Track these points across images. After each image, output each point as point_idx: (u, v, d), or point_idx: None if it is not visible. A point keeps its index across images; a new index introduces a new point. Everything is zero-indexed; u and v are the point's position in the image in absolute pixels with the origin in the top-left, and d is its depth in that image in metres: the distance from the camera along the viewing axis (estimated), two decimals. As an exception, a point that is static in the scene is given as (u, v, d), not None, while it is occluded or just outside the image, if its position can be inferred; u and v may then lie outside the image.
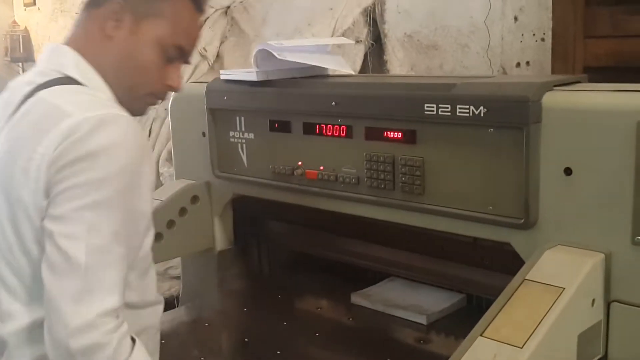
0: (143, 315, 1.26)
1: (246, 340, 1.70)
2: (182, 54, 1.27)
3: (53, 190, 1.08)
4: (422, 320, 1.68)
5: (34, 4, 4.79)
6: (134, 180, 1.11)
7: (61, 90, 1.18)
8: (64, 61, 1.22)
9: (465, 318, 1.64)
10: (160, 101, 1.32)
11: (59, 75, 1.20)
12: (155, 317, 1.30)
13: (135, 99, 1.26)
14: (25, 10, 4.94)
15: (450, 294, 1.77)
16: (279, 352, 1.62)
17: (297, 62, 1.75)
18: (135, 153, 1.12)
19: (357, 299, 1.83)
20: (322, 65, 1.84)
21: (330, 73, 1.90)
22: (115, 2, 1.21)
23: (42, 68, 1.24)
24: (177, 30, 1.24)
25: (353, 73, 1.99)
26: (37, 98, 1.17)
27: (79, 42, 1.24)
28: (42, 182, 1.09)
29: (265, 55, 1.75)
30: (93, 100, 1.17)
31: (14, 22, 4.97)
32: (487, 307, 1.24)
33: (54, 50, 1.26)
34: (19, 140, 1.15)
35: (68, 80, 1.20)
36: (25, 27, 5.04)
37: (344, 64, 1.86)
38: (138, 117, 1.27)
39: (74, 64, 1.21)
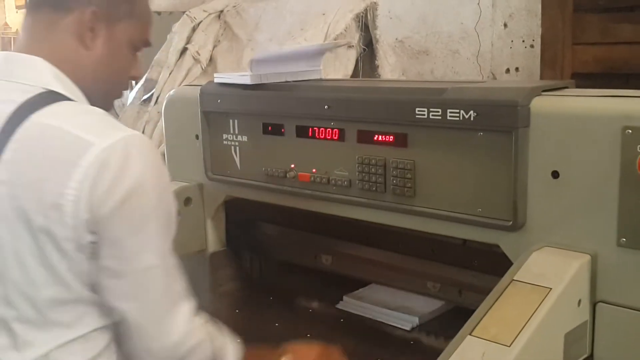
0: None
1: (238, 341, 1.71)
2: (146, 44, 1.31)
3: (106, 231, 1.10)
4: (414, 323, 1.70)
5: (27, 6, 4.80)
6: (165, 194, 1.17)
7: (57, 111, 1.14)
8: (42, 75, 1.17)
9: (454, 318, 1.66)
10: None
11: (41, 91, 1.15)
12: None
13: (108, 99, 1.31)
14: (17, 12, 4.94)
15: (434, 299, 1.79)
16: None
17: (291, 66, 1.78)
18: (160, 169, 1.17)
19: (345, 304, 1.83)
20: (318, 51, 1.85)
21: (323, 77, 1.93)
22: (86, 12, 1.19)
23: (10, 82, 1.17)
24: (144, 25, 1.28)
25: (348, 42, 2.01)
26: (34, 123, 1.11)
27: (48, 52, 1.19)
28: (83, 219, 1.08)
29: (260, 59, 1.77)
30: (97, 119, 1.16)
31: (6, 24, 4.98)
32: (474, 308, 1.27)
33: (18, 61, 1.20)
34: (34, 172, 1.10)
35: (55, 96, 1.15)
36: (17, 30, 5.04)
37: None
38: (132, 121, 1.29)
39: (54, 77, 1.18)
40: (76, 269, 1.12)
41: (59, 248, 1.10)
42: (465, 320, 1.23)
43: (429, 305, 1.76)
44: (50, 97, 1.15)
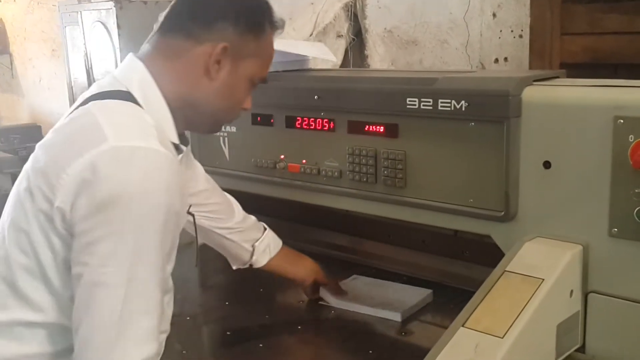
0: None
1: (228, 333, 1.70)
2: (263, 80, 1.35)
3: (77, 231, 1.07)
4: (397, 317, 1.68)
5: (9, -5, 4.73)
6: (159, 219, 1.08)
7: (110, 105, 1.17)
8: (132, 76, 1.23)
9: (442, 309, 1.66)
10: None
11: (121, 89, 1.21)
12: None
13: (216, 125, 1.35)
14: (0, 2, 4.87)
15: (417, 289, 1.78)
16: (261, 345, 1.62)
17: (280, 56, 1.75)
18: (165, 192, 1.09)
19: (326, 299, 1.77)
20: (305, 54, 1.84)
21: (313, 67, 1.91)
22: (218, 46, 1.22)
23: (112, 77, 1.25)
24: (266, 63, 1.33)
25: (336, 60, 2.00)
26: (85, 109, 1.17)
27: (171, 71, 1.23)
28: (67, 208, 1.08)
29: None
30: (137, 125, 1.15)
31: (-10, 14, 4.91)
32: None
33: (129, 61, 1.26)
34: (55, 148, 1.15)
35: (125, 95, 1.20)
36: (1, 19, 4.96)
37: (326, 52, 1.86)
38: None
39: (139, 82, 1.22)
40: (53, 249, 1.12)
41: (41, 221, 1.12)
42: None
43: (410, 297, 1.74)
44: (119, 95, 1.19)
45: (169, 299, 1.29)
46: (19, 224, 1.17)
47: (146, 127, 1.15)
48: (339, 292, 1.74)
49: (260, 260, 1.73)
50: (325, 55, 1.85)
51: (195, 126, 1.32)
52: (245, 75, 1.28)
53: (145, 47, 1.29)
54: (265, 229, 1.75)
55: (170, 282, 1.29)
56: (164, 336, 1.29)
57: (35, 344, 1.16)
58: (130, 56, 1.28)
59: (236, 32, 1.24)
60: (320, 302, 1.79)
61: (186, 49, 1.23)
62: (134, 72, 1.24)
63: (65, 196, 1.08)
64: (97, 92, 1.21)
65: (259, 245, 1.70)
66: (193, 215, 1.56)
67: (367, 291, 1.78)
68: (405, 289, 1.78)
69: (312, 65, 1.91)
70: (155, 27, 1.29)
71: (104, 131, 1.10)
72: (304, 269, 1.76)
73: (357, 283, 1.84)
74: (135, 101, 1.20)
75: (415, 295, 1.73)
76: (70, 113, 1.22)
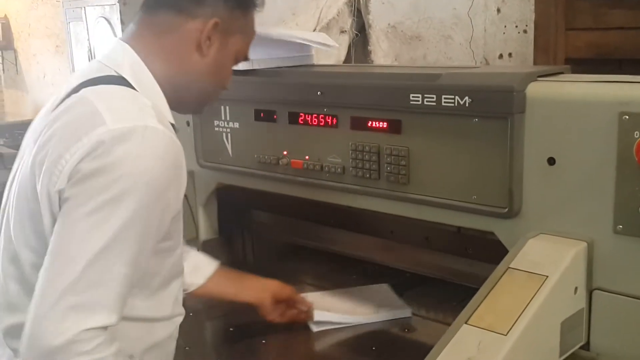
0: (156, 329, 1.26)
1: (231, 329, 1.70)
2: (246, 58, 1.37)
3: (67, 199, 1.07)
4: (408, 313, 1.67)
5: (13, -9, 4.73)
6: (150, 199, 1.08)
7: (105, 90, 1.17)
8: (122, 61, 1.23)
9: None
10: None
11: (112, 74, 1.21)
12: (168, 330, 1.29)
13: (202, 104, 1.35)
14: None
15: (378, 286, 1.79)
16: (264, 342, 1.62)
17: (283, 51, 1.75)
18: (159, 170, 1.09)
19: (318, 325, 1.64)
20: (306, 42, 1.83)
21: (316, 63, 1.90)
22: (209, 22, 1.23)
23: (99, 62, 1.24)
24: (249, 40, 1.35)
25: (337, 45, 1.99)
26: (80, 96, 1.16)
27: (161, 49, 1.24)
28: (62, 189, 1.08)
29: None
30: (133, 106, 1.15)
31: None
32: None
33: (115, 46, 1.26)
34: (53, 137, 1.13)
35: (118, 79, 1.20)
36: (5, 15, 4.97)
37: (328, 39, 1.85)
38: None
39: (130, 65, 1.22)
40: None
41: (52, 213, 1.11)
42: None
43: (387, 293, 1.75)
44: (111, 80, 1.19)
45: (180, 283, 1.30)
46: (25, 223, 1.17)
47: (144, 108, 1.16)
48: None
49: (195, 281, 1.58)
50: (326, 41, 1.83)
51: (180, 106, 1.31)
52: (232, 51, 1.30)
53: (130, 28, 1.29)
54: (190, 250, 1.62)
55: (182, 266, 1.29)
56: (180, 319, 1.31)
57: None
58: (116, 41, 1.28)
59: (227, 7, 1.26)
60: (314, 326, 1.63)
61: (177, 25, 1.24)
62: (123, 56, 1.24)
63: (63, 182, 1.08)
64: (88, 78, 1.20)
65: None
66: None
67: (341, 302, 1.72)
68: (369, 289, 1.79)
69: (315, 61, 1.91)
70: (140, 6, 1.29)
71: (102, 115, 1.10)
72: (252, 290, 1.62)
73: (316, 297, 1.74)
74: (129, 85, 1.20)
75: (384, 289, 1.76)
76: (61, 102, 1.19)
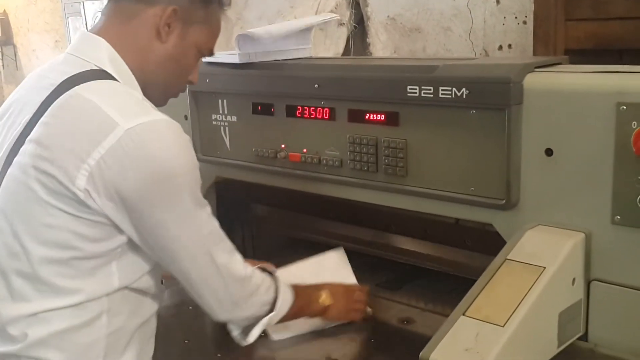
0: (145, 305, 1.32)
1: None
2: (210, 52, 1.39)
3: (142, 216, 1.18)
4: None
5: (12, -14, 4.72)
6: (191, 174, 1.22)
7: (99, 87, 1.21)
8: (100, 54, 1.26)
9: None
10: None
11: (93, 68, 1.24)
12: (154, 307, 1.36)
13: (166, 95, 1.38)
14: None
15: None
16: (263, 335, 1.62)
17: (280, 44, 1.74)
18: (190, 154, 1.22)
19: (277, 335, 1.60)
20: (316, 24, 1.82)
21: (313, 55, 1.90)
22: (168, 9, 1.28)
23: (74, 56, 1.27)
24: (213, 34, 1.38)
25: (338, 17, 2.00)
26: (74, 95, 1.19)
27: (123, 36, 1.28)
28: (100, 190, 1.15)
29: (247, 38, 1.74)
30: (133, 102, 1.21)
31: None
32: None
33: (87, 39, 1.30)
34: (63, 139, 1.17)
35: (103, 74, 1.24)
36: (4, 11, 4.96)
37: (329, 14, 1.85)
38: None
39: (109, 58, 1.26)
40: (82, 231, 1.17)
41: (67, 211, 1.16)
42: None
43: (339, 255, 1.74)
44: (97, 74, 1.23)
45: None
46: (31, 219, 1.19)
47: (141, 101, 1.22)
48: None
49: None
50: (329, 16, 1.83)
51: (146, 97, 1.32)
52: (194, 42, 1.33)
53: (99, 19, 1.33)
54: None
55: None
56: (161, 299, 1.39)
57: (60, 321, 1.20)
58: (84, 33, 1.32)
59: None
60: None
61: (138, 11, 1.29)
62: (99, 50, 1.27)
63: (89, 185, 1.14)
64: (71, 74, 1.22)
65: None
66: None
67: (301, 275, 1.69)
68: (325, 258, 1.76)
69: (312, 54, 1.90)
70: None
71: (109, 115, 1.15)
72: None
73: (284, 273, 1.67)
74: (114, 79, 1.24)
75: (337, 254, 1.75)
76: (47, 98, 1.21)
